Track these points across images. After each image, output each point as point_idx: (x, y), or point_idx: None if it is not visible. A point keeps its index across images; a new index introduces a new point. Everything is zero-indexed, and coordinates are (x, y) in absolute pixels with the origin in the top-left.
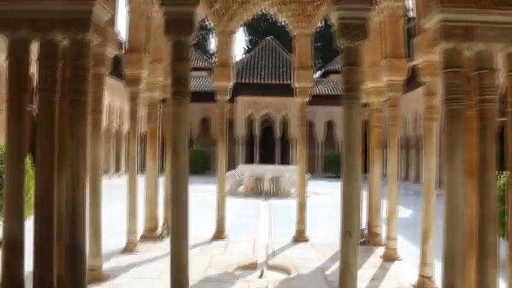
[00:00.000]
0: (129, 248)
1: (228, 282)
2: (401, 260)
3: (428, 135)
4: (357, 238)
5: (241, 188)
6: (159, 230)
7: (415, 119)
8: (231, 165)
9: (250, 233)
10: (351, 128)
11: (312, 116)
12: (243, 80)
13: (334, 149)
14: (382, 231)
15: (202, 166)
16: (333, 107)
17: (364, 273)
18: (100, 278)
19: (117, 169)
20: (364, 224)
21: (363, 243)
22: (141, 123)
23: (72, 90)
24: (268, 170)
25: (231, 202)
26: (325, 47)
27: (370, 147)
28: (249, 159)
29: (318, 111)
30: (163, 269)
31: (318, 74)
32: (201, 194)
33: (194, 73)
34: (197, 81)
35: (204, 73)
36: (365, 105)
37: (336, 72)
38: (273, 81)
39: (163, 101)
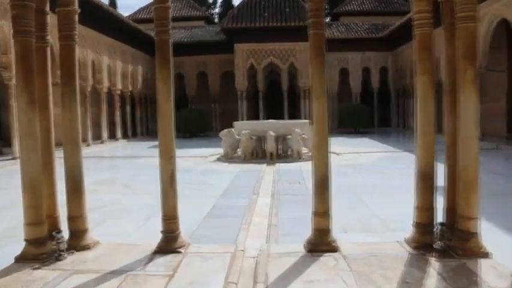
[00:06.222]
0: None
1: None
2: None
3: None
4: None
5: (240, 151)
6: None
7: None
8: (232, 125)
9: (234, 230)
10: None
11: None
12: (241, 24)
13: (350, 100)
14: (482, 227)
15: (200, 127)
16: (346, 53)
17: None
18: None
19: (98, 137)
20: (440, 215)
21: (440, 252)
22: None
23: None
24: (271, 126)
25: (222, 171)
26: None
27: (445, 70)
28: (254, 117)
29: (330, 58)
30: None
31: (328, 19)
32: (187, 161)
33: (188, 23)
34: (191, 32)
35: (199, 23)
36: None
37: (347, 13)
38: (277, 24)
39: None
